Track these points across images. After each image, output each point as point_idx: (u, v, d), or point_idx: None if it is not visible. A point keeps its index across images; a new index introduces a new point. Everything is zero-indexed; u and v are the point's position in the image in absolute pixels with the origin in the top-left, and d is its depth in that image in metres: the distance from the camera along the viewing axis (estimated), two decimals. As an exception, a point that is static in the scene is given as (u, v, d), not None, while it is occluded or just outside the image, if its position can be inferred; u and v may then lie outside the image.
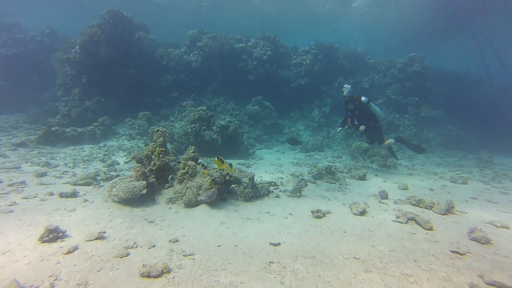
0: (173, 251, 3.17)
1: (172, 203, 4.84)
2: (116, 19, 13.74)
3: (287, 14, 29.44)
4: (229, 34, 17.19)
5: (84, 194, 5.11)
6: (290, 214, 4.63)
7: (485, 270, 3.00)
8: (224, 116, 12.28)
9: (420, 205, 5.12)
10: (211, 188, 4.83)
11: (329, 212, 4.67)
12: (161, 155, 5.31)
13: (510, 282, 2.75)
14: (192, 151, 5.58)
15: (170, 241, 3.42)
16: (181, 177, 5.19)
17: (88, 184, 5.73)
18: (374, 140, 8.83)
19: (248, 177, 5.63)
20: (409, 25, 22.58)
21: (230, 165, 4.84)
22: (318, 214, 4.47)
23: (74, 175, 6.35)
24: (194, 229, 3.84)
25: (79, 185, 5.64)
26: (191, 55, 16.41)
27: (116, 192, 4.59)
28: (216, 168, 5.56)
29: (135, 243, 3.32)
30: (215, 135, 9.82)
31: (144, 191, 4.94)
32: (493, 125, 17.08)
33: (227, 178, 5.46)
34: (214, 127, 10.07)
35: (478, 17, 21.71)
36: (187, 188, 4.93)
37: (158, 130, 5.54)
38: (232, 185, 5.62)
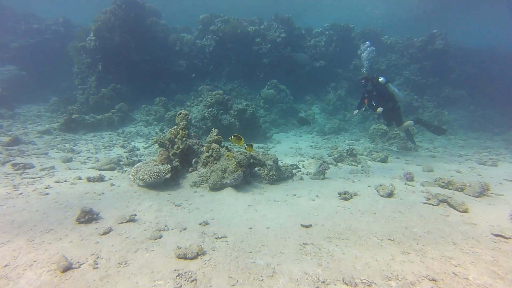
0: (204, 233, 3.17)
1: (197, 186, 4.86)
2: (128, 4, 13.58)
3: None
4: (241, 16, 16.78)
5: (110, 179, 5.19)
6: (317, 196, 4.57)
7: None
8: (240, 100, 12.18)
9: (450, 187, 4.94)
10: (237, 170, 4.80)
11: (356, 194, 4.58)
12: (184, 138, 5.29)
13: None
14: (215, 133, 5.54)
15: (200, 224, 3.42)
16: (205, 160, 5.18)
17: (112, 169, 5.82)
18: (392, 122, 8.50)
19: (273, 159, 5.58)
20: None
21: (250, 145, 4.80)
22: (346, 196, 4.39)
23: (98, 161, 6.46)
24: (223, 212, 3.84)
25: (104, 170, 5.73)
26: (204, 39, 16.18)
27: (141, 176, 4.63)
28: (240, 151, 5.52)
29: (166, 226, 3.34)
30: (233, 119, 9.76)
31: (169, 175, 4.97)
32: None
33: (251, 160, 5.43)
34: (232, 111, 10.00)
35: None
36: (212, 171, 4.92)
37: (180, 113, 5.51)
38: (256, 168, 5.59)
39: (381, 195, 4.52)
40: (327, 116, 14.89)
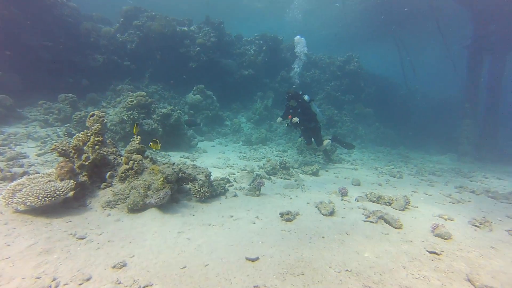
0: (120, 283, 2.32)
1: (111, 207, 3.83)
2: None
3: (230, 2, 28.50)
4: (169, 14, 15.60)
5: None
6: (257, 217, 4.09)
7: (465, 271, 2.96)
8: (164, 104, 11.05)
9: (380, 202, 5.13)
10: (164, 188, 3.97)
11: (298, 214, 4.28)
12: (97, 146, 4.18)
13: (495, 283, 2.72)
14: (137, 141, 4.56)
15: (114, 267, 2.52)
16: (123, 175, 4.17)
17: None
18: (311, 140, 8.66)
19: (205, 173, 4.90)
20: (349, 25, 24.06)
21: (155, 141, 4.41)
22: (289, 217, 4.03)
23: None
24: (146, 244, 3.00)
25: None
26: (126, 34, 14.39)
27: (22, 198, 3.34)
28: (167, 163, 4.67)
29: (54, 279, 2.30)
30: (156, 125, 8.66)
31: (71, 194, 3.81)
32: (406, 124, 19.43)
33: (180, 175, 4.65)
34: (155, 116, 8.88)
35: (399, 28, 24.38)
36: (132, 188, 3.96)
37: (93, 114, 4.36)
38: (185, 184, 4.82)
39: (323, 214, 4.33)
40: (253, 126, 14.88)
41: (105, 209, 3.78)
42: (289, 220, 4.02)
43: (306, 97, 7.89)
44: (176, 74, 14.88)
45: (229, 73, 16.23)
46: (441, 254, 3.32)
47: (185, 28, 15.59)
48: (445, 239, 3.80)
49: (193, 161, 8.07)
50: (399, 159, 12.34)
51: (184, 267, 2.62)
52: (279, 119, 8.21)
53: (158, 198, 3.88)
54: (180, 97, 14.19)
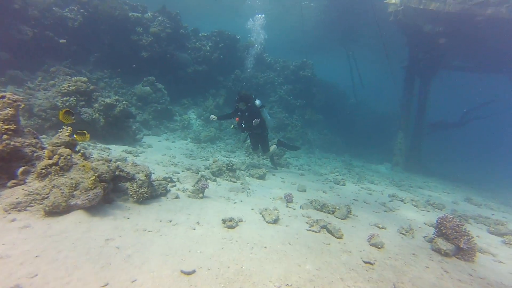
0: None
1: (18, 210, 3.22)
2: None
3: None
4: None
5: None
6: (198, 223, 3.84)
7: (392, 280, 3.13)
8: (109, 94, 10.08)
9: (324, 210, 5.25)
10: (95, 187, 3.48)
11: (241, 221, 4.13)
12: (5, 136, 3.49)
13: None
14: (67, 134, 3.94)
15: None
16: (43, 171, 3.55)
17: None
18: (258, 146, 8.54)
19: (145, 172, 4.48)
20: (306, 33, 24.87)
21: (83, 132, 4.03)
22: (231, 224, 3.86)
23: None
24: (60, 258, 2.54)
25: None
26: (67, 9, 12.79)
27: None
28: (102, 159, 4.15)
29: None
30: (97, 114, 7.81)
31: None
32: (351, 133, 20.88)
33: (117, 173, 4.17)
34: (97, 105, 8.01)
35: (350, 41, 26.06)
36: (54, 187, 3.40)
37: (3, 97, 3.64)
38: (123, 182, 4.35)
39: (267, 222, 4.25)
40: (203, 123, 14.48)
41: (9, 213, 3.16)
42: (231, 227, 3.84)
43: (257, 102, 7.66)
44: (125, 62, 13.70)
45: (183, 67, 15.54)
46: (374, 263, 3.47)
47: (139, 15, 14.47)
48: (379, 248, 4.01)
49: (135, 156, 7.48)
50: (343, 166, 13.04)
51: (105, 285, 2.27)
52: (213, 116, 7.81)
53: (87, 199, 3.39)
54: (129, 88, 13.13)
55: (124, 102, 8.80)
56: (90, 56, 13.12)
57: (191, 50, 16.33)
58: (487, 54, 15.62)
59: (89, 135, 4.10)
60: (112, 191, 4.20)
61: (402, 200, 7.60)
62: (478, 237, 5.27)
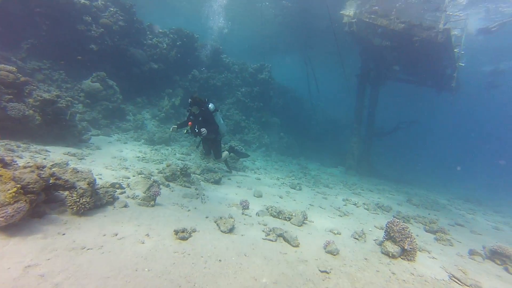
0: None
1: None
2: None
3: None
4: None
5: None
6: (147, 235, 3.50)
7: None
8: (50, 88, 8.96)
9: (280, 217, 5.21)
10: (16, 201, 2.94)
11: (194, 230, 3.88)
12: None
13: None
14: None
15: None
16: None
17: None
18: (210, 152, 8.36)
19: (87, 180, 3.98)
20: (265, 37, 25.05)
21: None
22: (184, 235, 3.59)
23: None
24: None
25: None
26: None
27: None
28: (30, 166, 3.55)
29: None
30: (31, 111, 6.84)
31: None
32: (307, 136, 21.59)
33: (51, 182, 3.61)
34: (31, 100, 7.03)
35: (308, 47, 26.98)
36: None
37: None
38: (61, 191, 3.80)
39: (222, 231, 4.05)
40: (158, 124, 13.75)
41: None
42: (184, 238, 3.57)
43: (210, 106, 7.38)
44: (70, 54, 12.38)
45: (137, 64, 14.57)
46: (330, 272, 3.48)
47: (86, 2, 13.18)
48: (334, 255, 4.06)
49: (80, 159, 6.70)
50: (299, 170, 13.31)
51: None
52: (174, 127, 7.47)
53: (3, 217, 2.84)
54: (75, 83, 11.88)
55: (68, 99, 7.87)
56: (22, 42, 11.58)
57: (147, 46, 15.42)
58: (421, 70, 17.46)
59: None
60: (45, 203, 3.67)
61: (355, 204, 7.92)
62: (417, 236, 5.70)
